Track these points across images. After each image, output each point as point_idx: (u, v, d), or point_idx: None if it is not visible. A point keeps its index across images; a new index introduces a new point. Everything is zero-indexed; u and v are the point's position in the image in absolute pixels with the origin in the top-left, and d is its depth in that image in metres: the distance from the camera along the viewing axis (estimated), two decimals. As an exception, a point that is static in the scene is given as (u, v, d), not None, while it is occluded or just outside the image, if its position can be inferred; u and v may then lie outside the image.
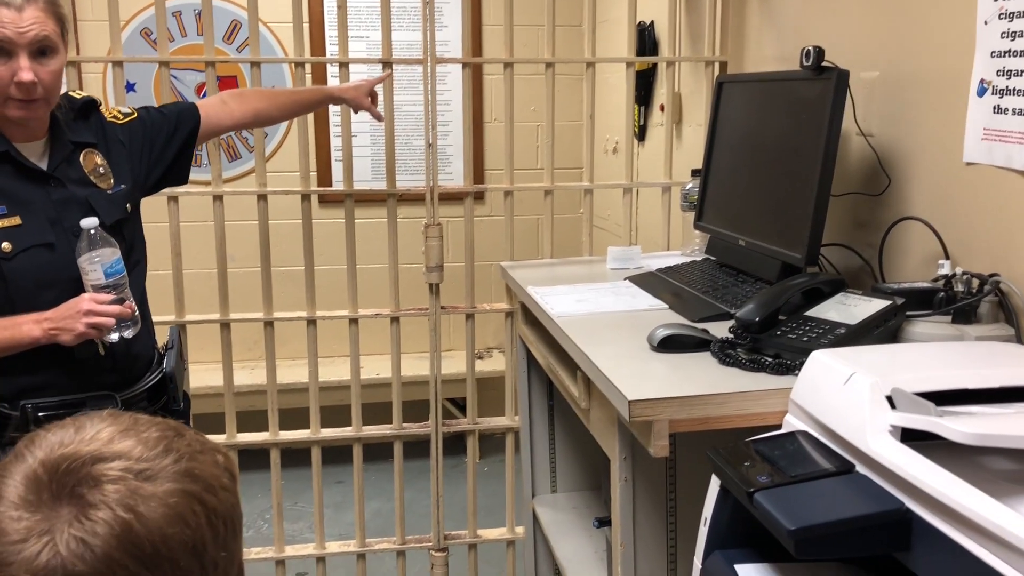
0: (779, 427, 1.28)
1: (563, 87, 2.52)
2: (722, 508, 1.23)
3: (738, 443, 1.21)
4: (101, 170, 1.75)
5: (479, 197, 3.86)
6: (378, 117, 2.30)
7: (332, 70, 3.93)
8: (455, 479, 3.57)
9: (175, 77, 3.83)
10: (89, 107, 1.79)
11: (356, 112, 2.30)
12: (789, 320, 1.52)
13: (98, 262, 1.62)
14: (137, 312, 1.69)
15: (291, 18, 2.35)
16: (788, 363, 1.41)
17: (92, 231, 1.62)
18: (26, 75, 1.56)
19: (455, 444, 3.56)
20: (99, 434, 0.71)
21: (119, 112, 1.85)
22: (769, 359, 1.44)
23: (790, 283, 1.58)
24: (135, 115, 1.87)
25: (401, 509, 2.65)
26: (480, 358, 4.19)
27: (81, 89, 2.34)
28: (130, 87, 3.82)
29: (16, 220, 1.62)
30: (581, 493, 2.45)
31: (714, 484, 1.24)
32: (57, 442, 0.71)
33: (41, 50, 1.59)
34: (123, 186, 1.77)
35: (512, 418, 2.64)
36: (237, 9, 3.87)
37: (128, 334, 1.67)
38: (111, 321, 1.62)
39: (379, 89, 2.30)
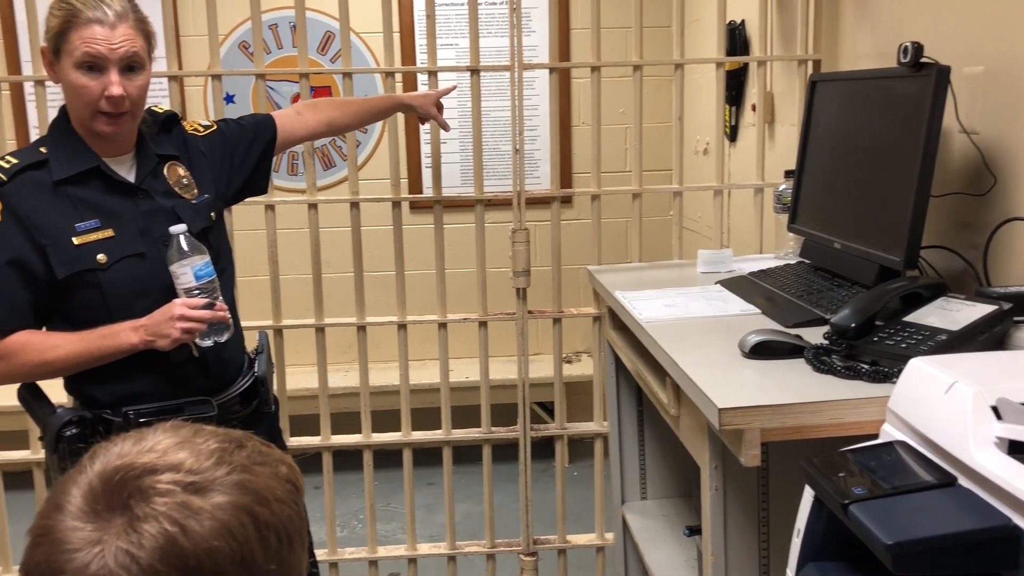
0: (875, 437, 1.24)
1: (652, 88, 2.50)
2: (816, 520, 1.19)
3: (833, 453, 1.17)
4: (185, 181, 1.80)
5: (566, 201, 3.85)
6: (444, 126, 2.34)
7: (421, 79, 3.99)
8: (542, 483, 3.57)
9: (271, 88, 3.95)
10: (171, 121, 1.85)
11: (423, 123, 2.35)
12: (887, 326, 1.46)
13: (188, 266, 1.66)
14: (229, 316, 1.73)
15: (382, 28, 2.40)
16: (886, 371, 1.36)
17: (181, 237, 1.67)
18: (116, 89, 1.62)
19: (541, 448, 3.55)
20: (156, 445, 0.73)
21: (199, 125, 1.92)
22: (865, 366, 1.39)
23: (888, 287, 1.53)
24: (215, 127, 1.93)
25: (490, 512, 2.67)
26: (568, 362, 4.18)
27: (184, 102, 2.44)
28: (229, 99, 3.95)
29: (109, 232, 1.68)
30: (671, 500, 2.42)
31: (807, 495, 1.20)
32: (116, 453, 0.72)
33: (130, 66, 1.65)
34: (206, 196, 1.82)
35: (601, 423, 2.62)
36: (330, 20, 3.97)
37: (222, 338, 1.71)
38: (202, 325, 1.66)
39: (467, 95, 2.32)
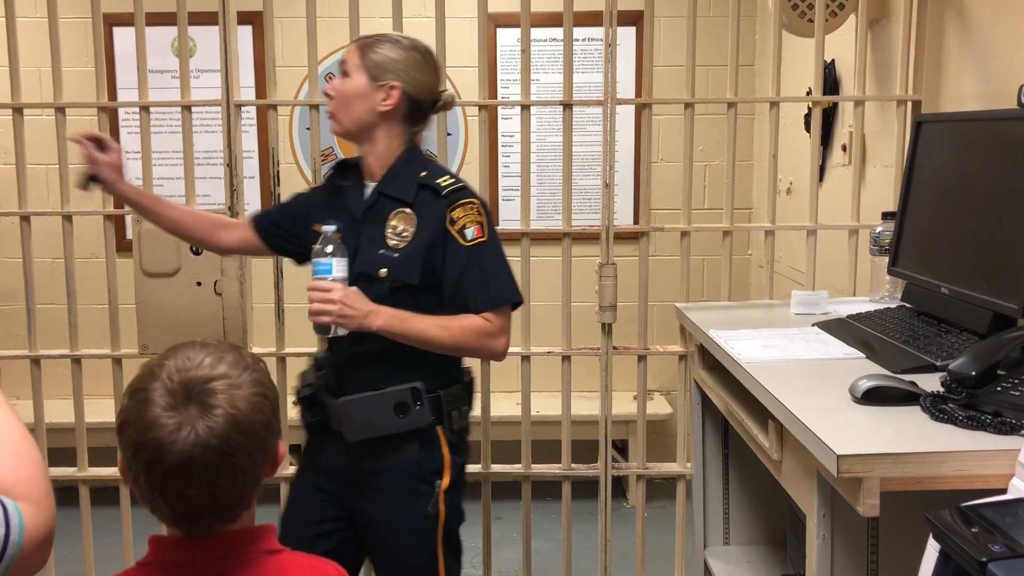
0: (999, 491, 1.19)
1: (728, 127, 2.47)
2: None
3: (962, 507, 1.12)
4: (400, 229, 1.92)
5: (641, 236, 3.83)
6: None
7: (503, 111, 4.02)
8: (613, 523, 3.51)
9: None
10: (448, 193, 1.92)
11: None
12: (1009, 375, 1.41)
13: (321, 261, 1.83)
14: (329, 316, 1.81)
15: (465, 63, 2.43)
16: (1012, 422, 1.31)
17: (328, 234, 1.84)
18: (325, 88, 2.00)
19: (613, 487, 3.50)
20: (204, 361, 1.13)
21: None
22: (989, 417, 1.34)
23: (1009, 336, 1.47)
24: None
25: (568, 550, 2.63)
26: (641, 400, 4.13)
27: (276, 130, 2.49)
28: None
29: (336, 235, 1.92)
30: (757, 547, 2.35)
31: (931, 549, 1.15)
32: (177, 367, 1.11)
33: (344, 71, 1.98)
34: (404, 257, 1.91)
35: (684, 464, 2.57)
36: (414, 54, 4.03)
37: (335, 333, 1.84)
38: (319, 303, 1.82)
39: (549, 129, 2.33)
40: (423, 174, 1.93)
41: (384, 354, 1.88)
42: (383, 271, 1.88)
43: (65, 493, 2.82)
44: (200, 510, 1.11)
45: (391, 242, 1.89)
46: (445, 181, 1.92)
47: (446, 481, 1.93)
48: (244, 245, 2.14)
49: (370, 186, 1.96)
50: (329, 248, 1.82)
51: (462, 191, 1.92)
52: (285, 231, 2.10)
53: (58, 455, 2.64)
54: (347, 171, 2.03)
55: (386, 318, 1.83)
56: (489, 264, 1.91)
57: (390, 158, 1.94)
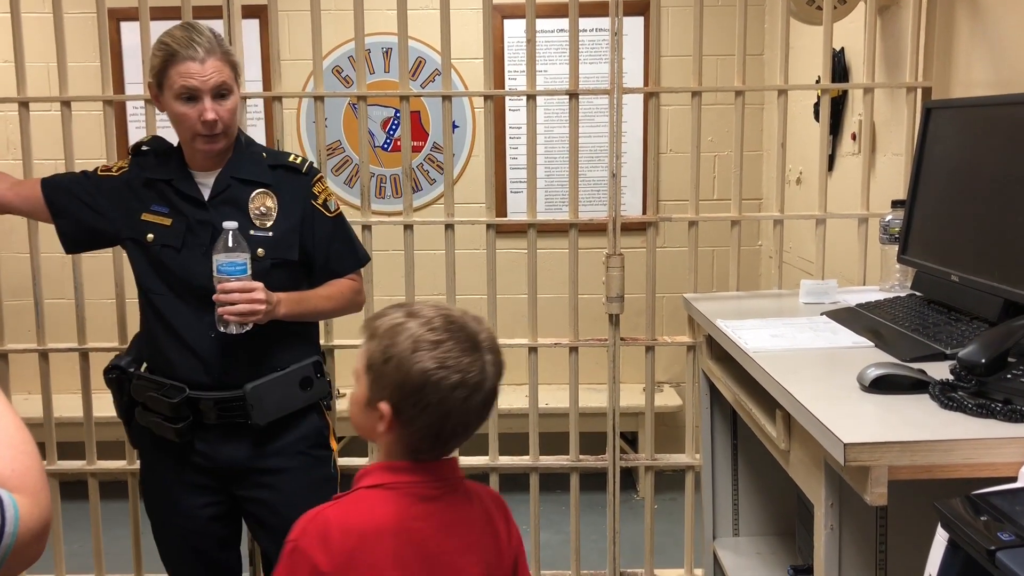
0: (1011, 479, 1.18)
1: (736, 115, 2.45)
2: (950, 565, 1.13)
3: (971, 495, 1.11)
4: (263, 211, 1.98)
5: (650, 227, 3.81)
6: None
7: (511, 103, 4.00)
8: (622, 515, 3.50)
9: (362, 112, 4.01)
10: (306, 172, 2.05)
11: None
12: (1020, 363, 1.39)
13: (224, 259, 1.85)
14: (239, 315, 1.85)
15: (471, 55, 2.42)
16: (1022, 410, 1.29)
17: (229, 233, 1.85)
18: (210, 115, 1.88)
19: (622, 479, 3.49)
20: (466, 318, 1.31)
21: (329, 205, 2.08)
22: (998, 404, 1.32)
23: (1019, 323, 1.45)
24: (335, 215, 2.10)
25: (576, 542, 2.62)
26: (651, 392, 4.11)
27: (281, 123, 2.49)
28: (321, 122, 4.02)
29: (167, 221, 1.97)
30: (766, 538, 2.34)
31: (940, 538, 1.14)
32: (444, 323, 1.27)
33: (220, 93, 1.90)
34: (277, 236, 1.99)
35: (692, 455, 2.56)
36: (422, 47, 4.02)
37: (230, 330, 1.87)
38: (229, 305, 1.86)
39: (556, 120, 2.33)
40: (264, 155, 2.04)
41: (273, 335, 1.95)
42: (260, 251, 1.94)
43: (74, 487, 2.86)
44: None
45: (258, 222, 1.97)
46: (297, 159, 2.06)
47: (334, 441, 2.13)
48: (25, 205, 2.09)
49: (200, 174, 1.98)
50: (238, 246, 1.86)
51: (314, 167, 2.08)
52: (74, 213, 2.05)
53: (67, 449, 2.64)
54: (156, 163, 2.02)
55: (287, 304, 1.94)
56: (348, 231, 2.12)
57: (230, 146, 2.00)
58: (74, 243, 2.11)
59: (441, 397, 1.25)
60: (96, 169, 2.09)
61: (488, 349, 1.30)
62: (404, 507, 1.29)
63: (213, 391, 1.94)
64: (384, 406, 1.26)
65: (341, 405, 3.65)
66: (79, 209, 2.05)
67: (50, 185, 2.08)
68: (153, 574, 2.44)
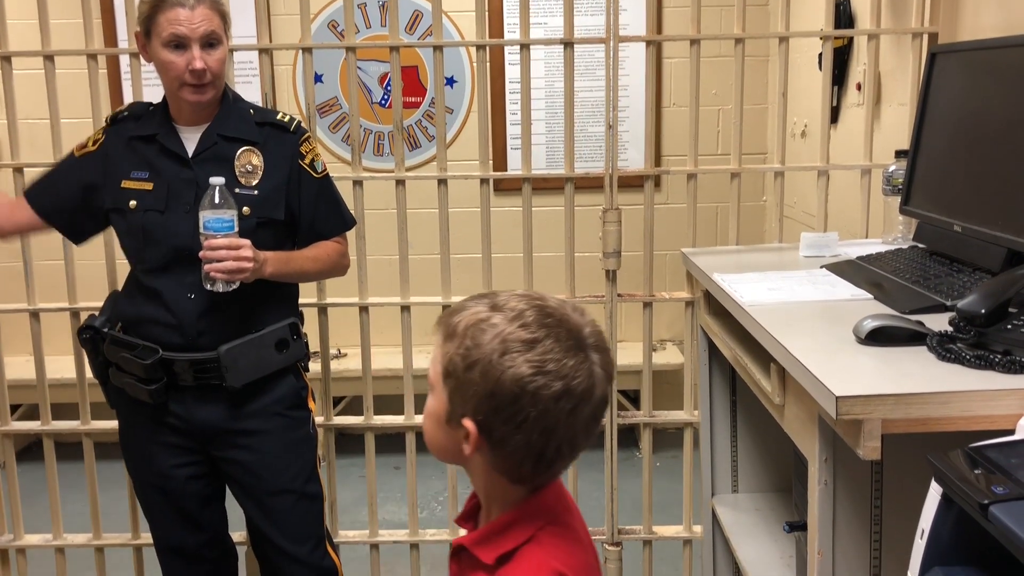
0: (1007, 432, 1.14)
1: (736, 64, 2.38)
2: (943, 520, 1.10)
3: (965, 448, 1.07)
4: (249, 168, 1.95)
5: (655, 183, 3.76)
6: None
7: (510, 57, 3.93)
8: (624, 473, 3.49)
9: (359, 69, 3.94)
10: (294, 130, 2.01)
11: None
12: (1022, 313, 1.34)
13: (211, 215, 1.82)
14: (226, 272, 1.82)
15: (470, 7, 2.34)
16: (1022, 361, 1.25)
17: (216, 189, 1.82)
18: (198, 63, 1.84)
19: (623, 437, 3.48)
20: (568, 310, 1.08)
21: (316, 165, 2.05)
22: (998, 356, 1.28)
23: (1021, 272, 1.40)
24: (324, 175, 2.08)
25: (575, 497, 2.60)
26: (653, 350, 4.08)
27: (273, 79, 2.44)
28: (317, 78, 3.96)
29: (149, 186, 1.93)
30: (764, 495, 2.32)
31: (934, 492, 1.10)
32: (539, 316, 1.04)
33: (209, 43, 1.87)
34: (263, 194, 1.96)
35: (691, 412, 2.53)
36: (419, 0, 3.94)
37: (216, 288, 1.85)
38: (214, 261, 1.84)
39: (555, 73, 2.28)
40: (251, 112, 2.00)
41: (257, 295, 1.93)
42: (245, 209, 1.91)
43: (69, 448, 2.85)
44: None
45: (243, 180, 1.94)
46: (285, 117, 2.03)
47: (312, 402, 2.12)
48: (29, 226, 2.06)
49: (185, 129, 1.95)
50: (225, 202, 1.82)
51: (303, 125, 2.05)
52: (65, 206, 2.03)
53: (64, 411, 2.63)
54: (138, 124, 1.98)
55: (274, 263, 1.92)
56: (335, 193, 2.09)
57: (217, 100, 1.96)
58: (78, 234, 2.09)
59: (541, 410, 1.01)
60: (72, 151, 2.05)
61: (595, 347, 1.05)
62: (572, 548, 1.12)
63: (187, 352, 1.92)
64: (469, 423, 1.03)
65: (335, 366, 3.65)
66: (67, 200, 2.02)
67: (33, 194, 2.05)
68: (150, 533, 2.43)
